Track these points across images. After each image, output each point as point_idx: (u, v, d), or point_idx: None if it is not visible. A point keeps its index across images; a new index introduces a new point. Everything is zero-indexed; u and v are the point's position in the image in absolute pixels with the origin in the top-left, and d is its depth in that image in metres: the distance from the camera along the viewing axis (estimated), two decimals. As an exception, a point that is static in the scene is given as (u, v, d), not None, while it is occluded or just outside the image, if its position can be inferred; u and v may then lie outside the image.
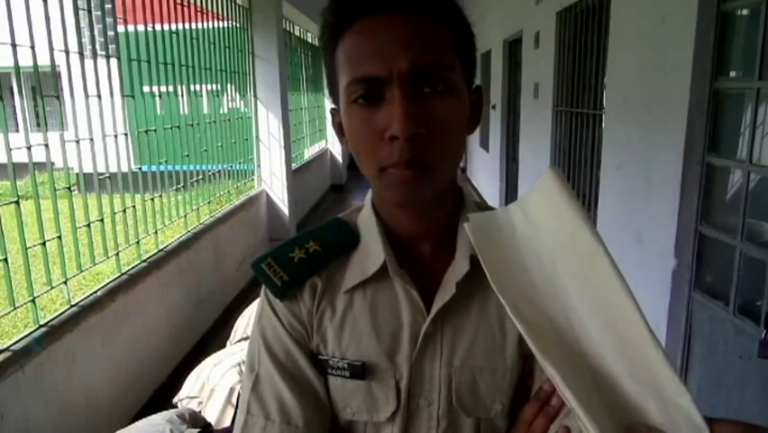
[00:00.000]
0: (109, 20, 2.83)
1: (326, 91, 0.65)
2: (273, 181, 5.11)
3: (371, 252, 0.65)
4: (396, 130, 0.53)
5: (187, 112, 3.66)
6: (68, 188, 2.33)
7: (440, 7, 0.57)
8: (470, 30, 0.61)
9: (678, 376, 0.36)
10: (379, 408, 0.64)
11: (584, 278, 0.42)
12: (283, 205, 5.15)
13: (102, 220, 2.55)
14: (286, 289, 0.65)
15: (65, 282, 2.24)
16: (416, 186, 0.56)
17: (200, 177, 3.81)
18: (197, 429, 1.84)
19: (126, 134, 2.83)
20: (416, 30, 0.55)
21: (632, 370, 0.38)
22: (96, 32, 2.64)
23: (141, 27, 3.11)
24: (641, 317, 0.38)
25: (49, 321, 2.05)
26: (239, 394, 1.96)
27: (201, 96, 3.98)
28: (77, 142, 2.42)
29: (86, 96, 2.51)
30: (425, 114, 0.54)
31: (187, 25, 3.64)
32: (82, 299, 2.28)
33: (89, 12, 2.60)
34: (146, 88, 3.12)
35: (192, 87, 3.72)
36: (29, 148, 2.01)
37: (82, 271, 2.38)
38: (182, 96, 3.62)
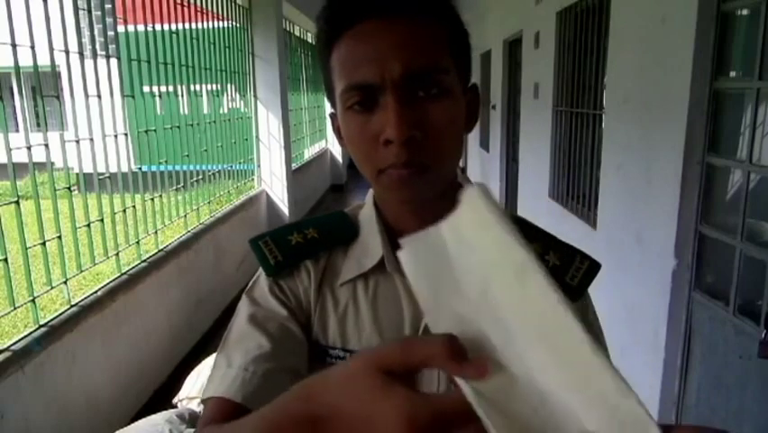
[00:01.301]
0: (109, 20, 2.83)
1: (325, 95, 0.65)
2: (273, 181, 5.11)
3: (370, 247, 0.66)
4: (390, 134, 0.54)
5: (187, 112, 3.67)
6: (68, 188, 2.33)
7: (433, 9, 0.57)
8: (464, 29, 0.61)
9: (622, 379, 0.36)
10: None
11: (517, 291, 0.42)
12: (283, 205, 5.15)
13: (102, 220, 2.55)
14: (279, 268, 0.66)
15: (65, 282, 2.24)
16: (415, 183, 0.57)
17: (200, 177, 3.81)
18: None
19: (126, 134, 2.83)
20: (408, 34, 0.54)
21: (574, 381, 0.38)
22: (96, 32, 2.64)
23: (141, 27, 3.12)
24: (578, 324, 0.38)
25: (49, 321, 2.05)
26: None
27: (201, 96, 3.98)
28: (77, 142, 2.42)
29: (86, 96, 2.51)
30: (420, 117, 0.55)
31: (187, 25, 3.64)
32: (82, 299, 2.28)
33: (89, 12, 2.60)
34: (146, 88, 3.12)
35: (192, 87, 3.73)
36: (29, 148, 2.01)
37: (82, 271, 2.38)
38: (182, 96, 3.63)
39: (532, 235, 0.67)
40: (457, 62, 0.59)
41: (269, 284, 0.66)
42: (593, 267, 0.67)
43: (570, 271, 0.66)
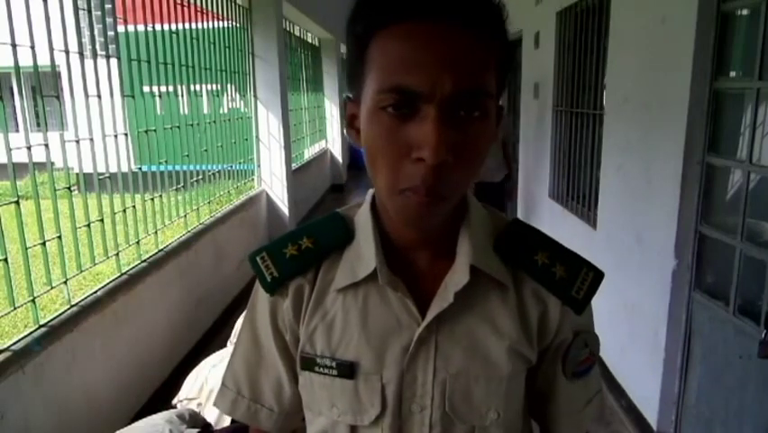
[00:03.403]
0: (109, 20, 2.83)
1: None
2: (273, 181, 5.11)
3: (364, 254, 0.64)
4: (425, 154, 0.50)
5: (187, 112, 3.66)
6: (68, 188, 2.33)
7: (491, 23, 0.53)
8: (512, 48, 0.59)
9: None
10: (363, 410, 0.64)
11: None
12: (283, 205, 5.15)
13: (102, 220, 2.55)
14: (275, 285, 0.67)
15: (65, 282, 2.24)
16: (429, 213, 0.55)
17: (200, 177, 3.81)
18: (197, 430, 1.84)
19: (126, 134, 2.83)
20: (465, 47, 0.51)
21: None
22: (96, 32, 2.64)
23: (141, 27, 3.11)
24: None
25: (49, 321, 2.05)
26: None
27: (201, 96, 3.98)
28: (77, 142, 2.42)
29: (86, 96, 2.51)
30: (457, 139, 0.52)
31: (187, 25, 3.64)
32: (82, 299, 2.28)
33: (89, 12, 2.60)
34: (146, 88, 3.12)
35: (192, 87, 3.72)
36: (29, 148, 2.01)
37: (82, 271, 2.38)
38: (182, 96, 3.62)
39: (540, 244, 0.66)
40: (499, 85, 0.55)
41: (263, 308, 0.70)
42: (597, 278, 0.66)
43: (576, 284, 0.65)
